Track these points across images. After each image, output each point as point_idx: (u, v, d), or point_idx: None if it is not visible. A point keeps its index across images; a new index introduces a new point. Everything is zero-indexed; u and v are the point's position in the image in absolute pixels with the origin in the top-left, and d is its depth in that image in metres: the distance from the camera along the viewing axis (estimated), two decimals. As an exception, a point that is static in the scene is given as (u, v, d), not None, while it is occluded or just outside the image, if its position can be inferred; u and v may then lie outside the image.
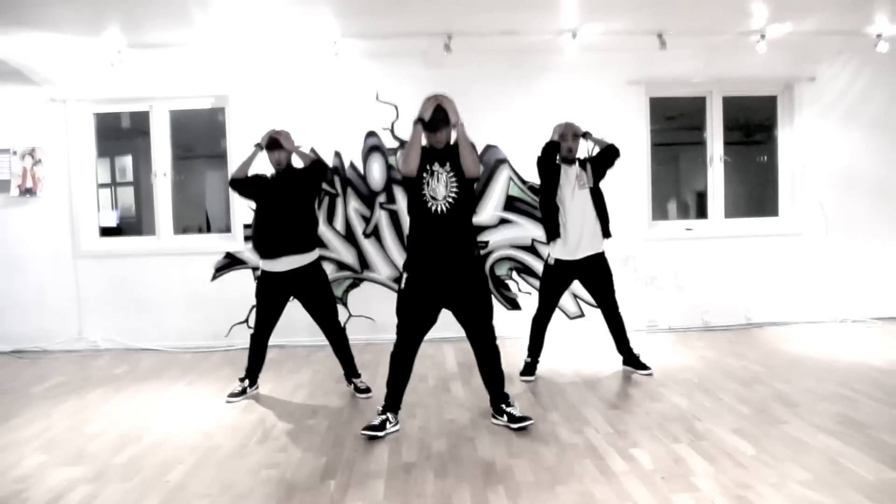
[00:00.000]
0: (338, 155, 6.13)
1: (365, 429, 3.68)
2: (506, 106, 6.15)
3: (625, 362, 4.93)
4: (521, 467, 3.20)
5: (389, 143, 6.13)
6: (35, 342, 6.16)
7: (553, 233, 4.66)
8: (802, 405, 3.96)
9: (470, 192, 3.81)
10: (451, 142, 3.79)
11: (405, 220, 6.11)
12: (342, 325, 4.68)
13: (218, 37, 5.36)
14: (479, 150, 6.00)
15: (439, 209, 3.69)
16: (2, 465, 3.42)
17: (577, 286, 5.40)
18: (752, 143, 8.59)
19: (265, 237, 4.43)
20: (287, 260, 4.39)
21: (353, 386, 4.60)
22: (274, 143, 4.43)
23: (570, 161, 4.73)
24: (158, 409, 4.34)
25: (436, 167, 3.72)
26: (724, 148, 6.48)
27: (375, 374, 4.79)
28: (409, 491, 2.98)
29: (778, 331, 6.14)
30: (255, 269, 6.10)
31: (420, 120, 3.67)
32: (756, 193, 7.59)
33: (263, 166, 4.57)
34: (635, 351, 4.90)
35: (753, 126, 8.18)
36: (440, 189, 3.70)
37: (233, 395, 4.50)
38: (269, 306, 4.54)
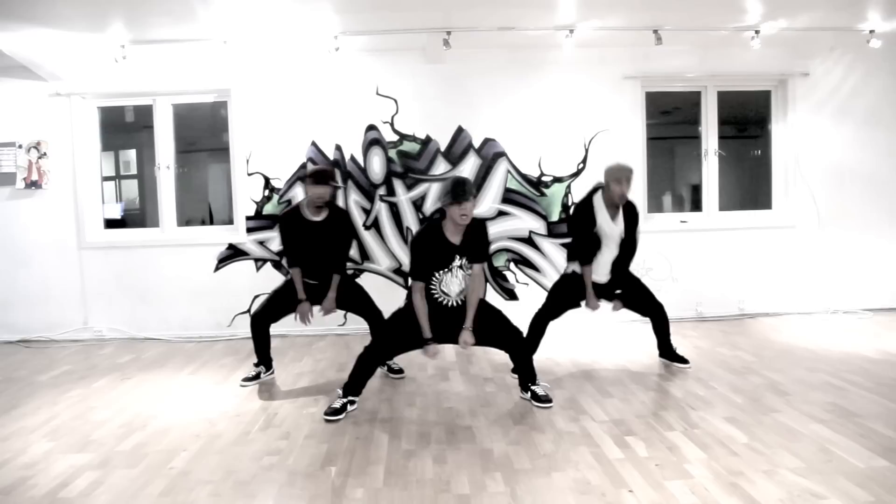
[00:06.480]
0: (338, 148, 6.18)
1: (326, 413, 3.87)
2: (504, 100, 6.21)
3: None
4: (518, 454, 3.26)
5: (389, 136, 6.19)
6: (41, 332, 6.24)
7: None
8: (794, 394, 4.03)
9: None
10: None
11: (405, 213, 6.21)
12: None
13: (220, 32, 5.40)
14: (478, 143, 6.15)
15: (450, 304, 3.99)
16: (9, 452, 3.47)
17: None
18: (746, 137, 8.66)
19: None
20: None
21: (386, 367, 4.78)
22: (321, 176, 4.48)
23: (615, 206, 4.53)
24: (163, 398, 4.39)
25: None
26: (718, 142, 6.53)
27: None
28: (408, 477, 3.03)
29: (770, 321, 6.22)
30: (257, 260, 6.20)
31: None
32: (750, 187, 7.67)
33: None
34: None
35: (748, 120, 8.23)
36: (453, 285, 3.95)
37: (246, 378, 4.68)
38: None
